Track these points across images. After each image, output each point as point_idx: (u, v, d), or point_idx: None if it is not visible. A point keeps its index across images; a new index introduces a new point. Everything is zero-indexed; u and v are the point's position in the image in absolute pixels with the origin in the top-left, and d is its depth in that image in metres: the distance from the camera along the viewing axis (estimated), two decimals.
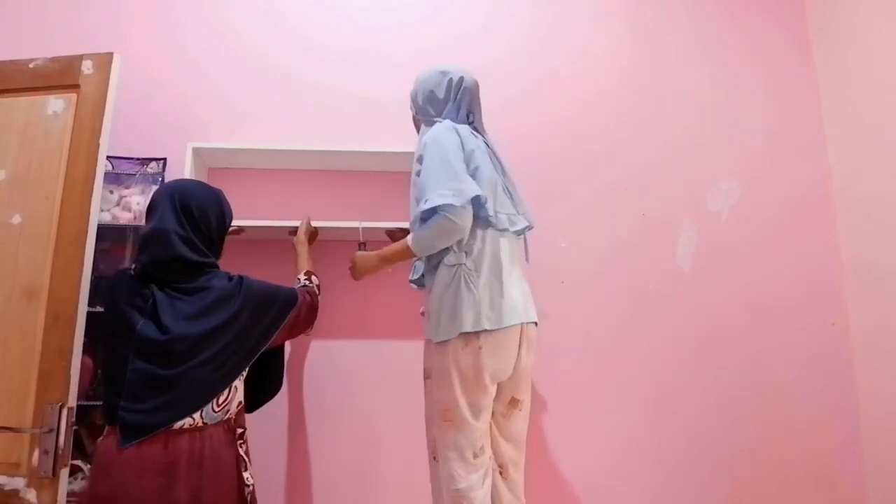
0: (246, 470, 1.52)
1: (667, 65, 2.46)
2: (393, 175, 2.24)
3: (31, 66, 1.67)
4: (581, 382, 2.18)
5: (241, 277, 1.56)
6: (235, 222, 2.00)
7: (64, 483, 1.44)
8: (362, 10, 2.38)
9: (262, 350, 1.58)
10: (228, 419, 1.50)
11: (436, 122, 1.71)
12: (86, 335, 1.55)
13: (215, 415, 1.46)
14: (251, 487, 1.51)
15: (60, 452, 1.41)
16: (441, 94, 1.73)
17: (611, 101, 2.40)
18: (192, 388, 1.42)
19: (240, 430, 1.54)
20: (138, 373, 1.40)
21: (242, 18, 2.32)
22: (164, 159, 2.12)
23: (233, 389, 1.51)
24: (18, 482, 1.42)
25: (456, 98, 1.74)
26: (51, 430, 1.41)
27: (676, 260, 2.31)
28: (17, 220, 1.57)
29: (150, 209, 1.55)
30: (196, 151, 2.03)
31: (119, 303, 1.49)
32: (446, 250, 1.59)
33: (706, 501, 2.16)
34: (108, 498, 1.36)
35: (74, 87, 1.64)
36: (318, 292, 1.81)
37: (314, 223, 2.00)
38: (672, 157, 2.38)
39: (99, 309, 1.64)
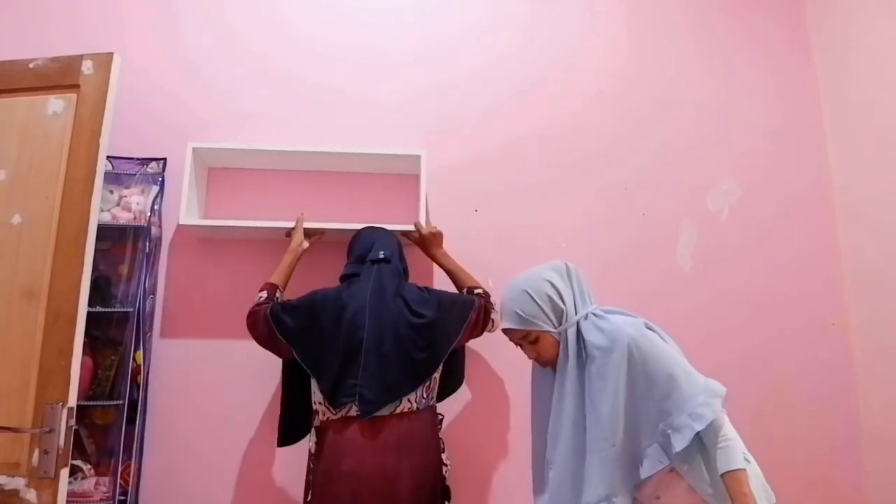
0: (444, 451, 1.74)
1: (666, 65, 2.46)
2: (392, 176, 2.24)
3: (31, 66, 1.67)
4: None
5: (427, 287, 1.86)
6: (237, 222, 2.02)
7: (64, 483, 1.43)
8: (363, 10, 2.37)
9: (453, 346, 1.78)
10: (433, 405, 1.75)
11: (590, 316, 1.56)
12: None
13: (424, 400, 1.70)
14: (448, 467, 1.72)
15: (60, 452, 1.41)
16: (566, 293, 1.56)
17: (611, 101, 2.40)
18: (413, 372, 1.67)
19: (440, 416, 1.79)
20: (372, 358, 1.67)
21: (242, 19, 2.32)
22: (164, 159, 2.12)
23: (434, 379, 1.74)
24: (18, 482, 1.42)
25: (577, 285, 1.60)
26: (51, 430, 1.41)
27: (676, 260, 2.31)
28: (17, 220, 1.57)
29: None
30: (196, 151, 2.03)
31: None
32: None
33: None
34: (348, 475, 1.58)
35: (74, 87, 1.63)
36: (489, 294, 1.93)
37: (313, 224, 2.01)
38: (672, 157, 2.38)
39: (98, 309, 1.63)
